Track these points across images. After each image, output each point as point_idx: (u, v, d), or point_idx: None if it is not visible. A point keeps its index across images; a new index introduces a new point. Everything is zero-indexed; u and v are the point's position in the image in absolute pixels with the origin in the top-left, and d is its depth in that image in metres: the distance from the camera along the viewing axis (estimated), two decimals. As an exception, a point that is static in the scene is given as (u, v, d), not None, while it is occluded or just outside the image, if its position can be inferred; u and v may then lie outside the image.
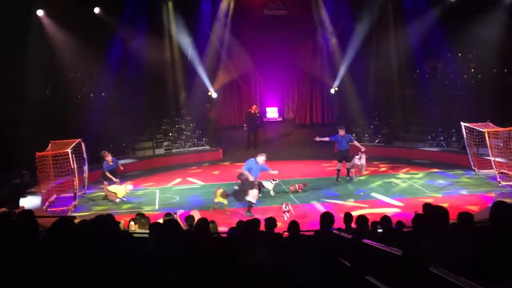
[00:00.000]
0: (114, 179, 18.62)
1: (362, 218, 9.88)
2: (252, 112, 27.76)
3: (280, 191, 18.50)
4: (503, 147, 19.56)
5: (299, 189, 18.52)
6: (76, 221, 10.74)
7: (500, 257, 4.64)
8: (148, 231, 9.55)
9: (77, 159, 18.30)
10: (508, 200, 12.40)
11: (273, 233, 9.35)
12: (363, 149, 20.17)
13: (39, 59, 22.07)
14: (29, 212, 8.57)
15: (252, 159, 16.44)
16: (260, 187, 17.81)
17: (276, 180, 18.15)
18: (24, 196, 16.40)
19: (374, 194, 17.94)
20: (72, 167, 17.65)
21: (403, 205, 16.29)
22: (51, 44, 22.98)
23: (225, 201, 16.23)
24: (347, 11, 27.93)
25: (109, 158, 18.95)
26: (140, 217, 11.20)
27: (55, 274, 3.86)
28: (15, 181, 16.04)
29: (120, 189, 18.21)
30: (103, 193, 18.80)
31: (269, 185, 17.96)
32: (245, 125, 27.65)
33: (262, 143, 27.34)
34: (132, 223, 11.24)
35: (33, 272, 3.87)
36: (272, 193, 17.98)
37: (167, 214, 11.43)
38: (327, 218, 8.65)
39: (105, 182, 18.56)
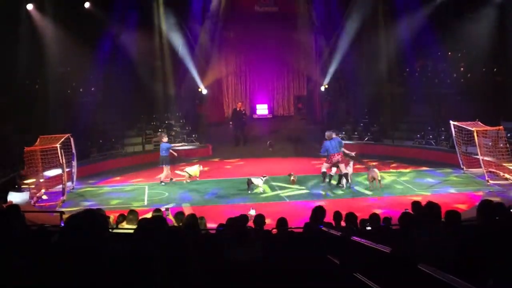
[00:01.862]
0: (175, 154, 20.25)
1: (351, 216, 9.91)
2: (238, 109, 27.75)
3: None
4: (491, 146, 19.67)
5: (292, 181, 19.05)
6: (64, 216, 10.77)
7: (487, 255, 4.66)
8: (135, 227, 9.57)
9: (66, 154, 18.24)
10: (495, 199, 12.50)
11: (262, 230, 9.35)
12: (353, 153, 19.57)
13: (28, 53, 21.93)
14: (15, 207, 8.50)
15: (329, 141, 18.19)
16: (249, 183, 17.83)
17: (265, 176, 18.17)
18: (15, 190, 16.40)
19: (362, 192, 17.97)
20: (61, 162, 17.58)
21: (391, 203, 16.34)
22: (40, 38, 22.83)
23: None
24: (338, 9, 27.92)
25: (165, 139, 20.03)
26: (128, 213, 11.16)
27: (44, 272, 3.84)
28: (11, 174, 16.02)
29: (196, 170, 19.69)
30: (87, 189, 18.80)
31: (258, 181, 17.96)
32: (231, 122, 27.63)
33: (251, 140, 27.34)
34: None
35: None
36: (261, 189, 17.96)
37: (157, 210, 11.40)
38: (318, 211, 8.67)
39: (167, 166, 19.56)
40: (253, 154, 24.92)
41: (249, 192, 17.78)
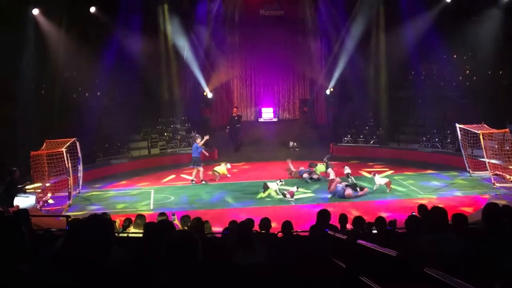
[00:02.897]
0: (207, 154, 21.49)
1: (358, 220, 9.89)
2: (234, 115, 27.66)
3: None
4: (497, 148, 19.61)
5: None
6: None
7: (494, 258, 4.64)
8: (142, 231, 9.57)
9: (71, 159, 18.27)
10: (502, 202, 12.45)
11: (268, 233, 9.35)
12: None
13: (34, 58, 21.98)
14: (24, 212, 8.52)
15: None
16: (266, 188, 17.85)
17: (282, 181, 18.15)
18: (16, 195, 16.37)
19: (367, 195, 17.93)
20: (67, 166, 17.61)
21: (397, 206, 16.29)
22: (46, 43, 22.87)
23: None
24: (343, 12, 27.89)
25: (198, 140, 20.70)
26: (136, 218, 11.17)
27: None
28: (7, 178, 15.97)
29: (223, 168, 21.00)
30: (93, 193, 18.83)
31: (274, 186, 17.95)
32: (228, 127, 27.54)
33: (257, 143, 27.26)
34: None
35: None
36: (278, 193, 17.95)
37: (161, 214, 11.40)
38: (324, 215, 8.66)
39: (198, 168, 20.40)
40: (259, 158, 24.89)
41: (263, 195, 17.85)
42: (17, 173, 16.54)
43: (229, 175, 21.25)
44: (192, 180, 20.45)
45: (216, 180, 20.77)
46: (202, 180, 20.42)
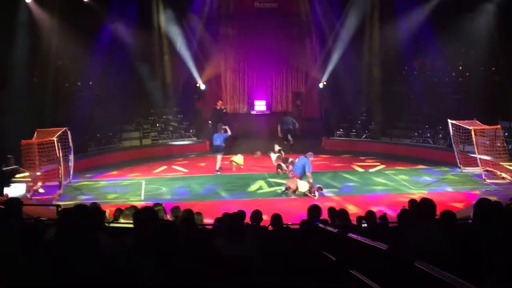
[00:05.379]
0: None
1: (342, 212, 9.88)
2: (218, 108, 26.60)
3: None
4: (489, 145, 19.68)
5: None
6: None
7: (484, 253, 4.65)
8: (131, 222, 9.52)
9: (63, 148, 18.19)
10: (492, 198, 12.49)
11: (258, 226, 9.34)
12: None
13: (26, 46, 21.82)
14: (16, 201, 8.43)
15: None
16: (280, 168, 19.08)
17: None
18: (8, 185, 16.31)
19: (358, 189, 17.97)
20: (58, 155, 17.53)
21: (388, 201, 16.32)
22: (38, 31, 22.71)
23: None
24: (337, 6, 27.88)
25: (222, 130, 20.72)
26: (126, 210, 11.08)
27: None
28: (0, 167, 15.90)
29: (240, 158, 21.09)
30: (84, 183, 18.77)
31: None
32: (210, 121, 26.29)
33: (251, 136, 27.21)
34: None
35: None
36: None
37: (156, 205, 11.34)
38: (314, 210, 8.65)
39: (217, 155, 20.46)
40: (251, 150, 24.85)
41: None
42: (11, 161, 16.49)
43: (242, 167, 21.09)
44: (219, 170, 20.52)
45: (233, 170, 20.88)
46: (216, 170, 20.46)
